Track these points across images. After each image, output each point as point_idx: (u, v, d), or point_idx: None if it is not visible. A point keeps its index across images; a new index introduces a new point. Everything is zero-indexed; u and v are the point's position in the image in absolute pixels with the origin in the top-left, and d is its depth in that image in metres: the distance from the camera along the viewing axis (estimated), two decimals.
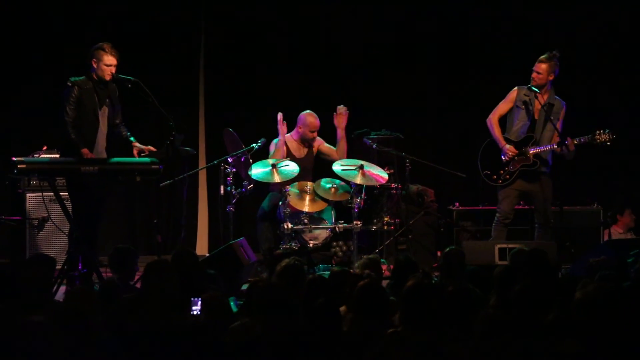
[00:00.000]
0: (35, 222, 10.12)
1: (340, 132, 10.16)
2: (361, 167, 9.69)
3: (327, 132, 10.35)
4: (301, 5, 12.11)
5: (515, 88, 9.66)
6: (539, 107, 9.50)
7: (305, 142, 10.23)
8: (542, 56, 9.49)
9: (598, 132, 9.39)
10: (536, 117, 9.54)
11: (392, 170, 10.22)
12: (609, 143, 9.40)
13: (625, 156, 11.75)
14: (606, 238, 10.66)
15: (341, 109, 10.14)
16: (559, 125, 9.50)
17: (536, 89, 9.40)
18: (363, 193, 9.79)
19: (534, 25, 11.95)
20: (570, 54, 10.66)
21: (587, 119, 10.05)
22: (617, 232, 10.89)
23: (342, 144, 10.18)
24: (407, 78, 12.21)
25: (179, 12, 11.92)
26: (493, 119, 9.68)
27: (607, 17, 11.95)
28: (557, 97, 9.56)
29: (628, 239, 10.40)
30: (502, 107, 9.70)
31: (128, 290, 6.79)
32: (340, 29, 12.16)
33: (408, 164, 10.25)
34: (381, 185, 10.20)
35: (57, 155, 9.23)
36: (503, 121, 9.71)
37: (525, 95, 9.57)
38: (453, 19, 12.20)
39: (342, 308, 5.55)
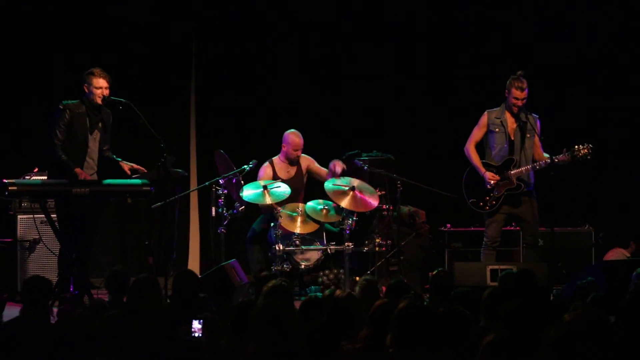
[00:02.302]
0: (27, 244, 10.09)
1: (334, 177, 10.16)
2: (353, 188, 9.72)
3: (317, 153, 10.42)
4: (292, 29, 12.14)
5: (485, 112, 9.63)
6: (514, 127, 9.52)
7: (291, 161, 10.26)
8: (520, 81, 9.39)
9: (577, 147, 9.37)
10: (512, 138, 9.52)
11: (383, 192, 10.21)
12: (589, 157, 9.39)
13: (616, 175, 11.85)
14: (609, 257, 10.68)
15: (338, 166, 10.15)
16: (536, 140, 9.48)
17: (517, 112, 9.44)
18: (354, 214, 9.81)
19: (523, 48, 12.02)
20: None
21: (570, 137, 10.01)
22: (623, 254, 10.89)
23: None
24: (399, 99, 12.25)
25: (170, 32, 11.94)
26: (470, 147, 9.64)
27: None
28: (529, 113, 9.52)
29: (620, 260, 10.39)
30: (477, 133, 9.66)
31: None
32: (331, 49, 12.19)
33: (399, 186, 10.24)
34: None
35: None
36: (480, 147, 9.69)
37: (496, 118, 9.56)
38: (444, 40, 12.26)
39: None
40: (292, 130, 10.29)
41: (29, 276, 7.89)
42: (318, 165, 10.42)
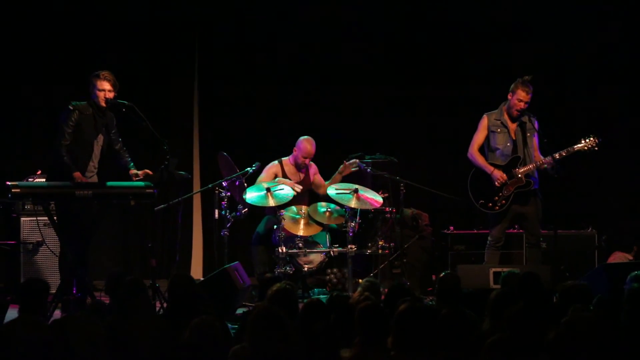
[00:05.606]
0: (30, 247, 10.11)
1: (339, 177, 10.18)
2: (356, 190, 9.71)
3: (320, 156, 10.42)
4: (296, 33, 12.13)
5: (485, 115, 9.65)
6: (514, 127, 9.53)
7: (298, 166, 10.25)
8: (526, 85, 9.41)
9: (583, 139, 9.39)
10: (514, 137, 9.54)
11: (386, 194, 10.21)
12: (596, 148, 9.39)
13: (620, 178, 11.85)
14: (611, 261, 10.66)
15: (353, 163, 10.17)
16: (535, 140, 9.51)
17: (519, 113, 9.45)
18: (357, 217, 9.80)
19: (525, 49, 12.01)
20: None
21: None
22: (626, 258, 10.86)
23: (333, 183, 10.21)
24: (402, 100, 12.24)
25: (173, 32, 11.92)
26: (473, 151, 9.63)
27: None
28: (530, 114, 9.52)
29: (623, 262, 10.36)
30: (479, 137, 9.65)
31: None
32: (334, 52, 12.19)
33: (402, 188, 10.23)
34: (375, 209, 10.22)
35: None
36: (482, 151, 9.66)
37: (496, 119, 9.57)
38: (446, 42, 12.25)
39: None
40: (307, 137, 10.22)
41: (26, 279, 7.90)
42: (320, 177, 10.45)
